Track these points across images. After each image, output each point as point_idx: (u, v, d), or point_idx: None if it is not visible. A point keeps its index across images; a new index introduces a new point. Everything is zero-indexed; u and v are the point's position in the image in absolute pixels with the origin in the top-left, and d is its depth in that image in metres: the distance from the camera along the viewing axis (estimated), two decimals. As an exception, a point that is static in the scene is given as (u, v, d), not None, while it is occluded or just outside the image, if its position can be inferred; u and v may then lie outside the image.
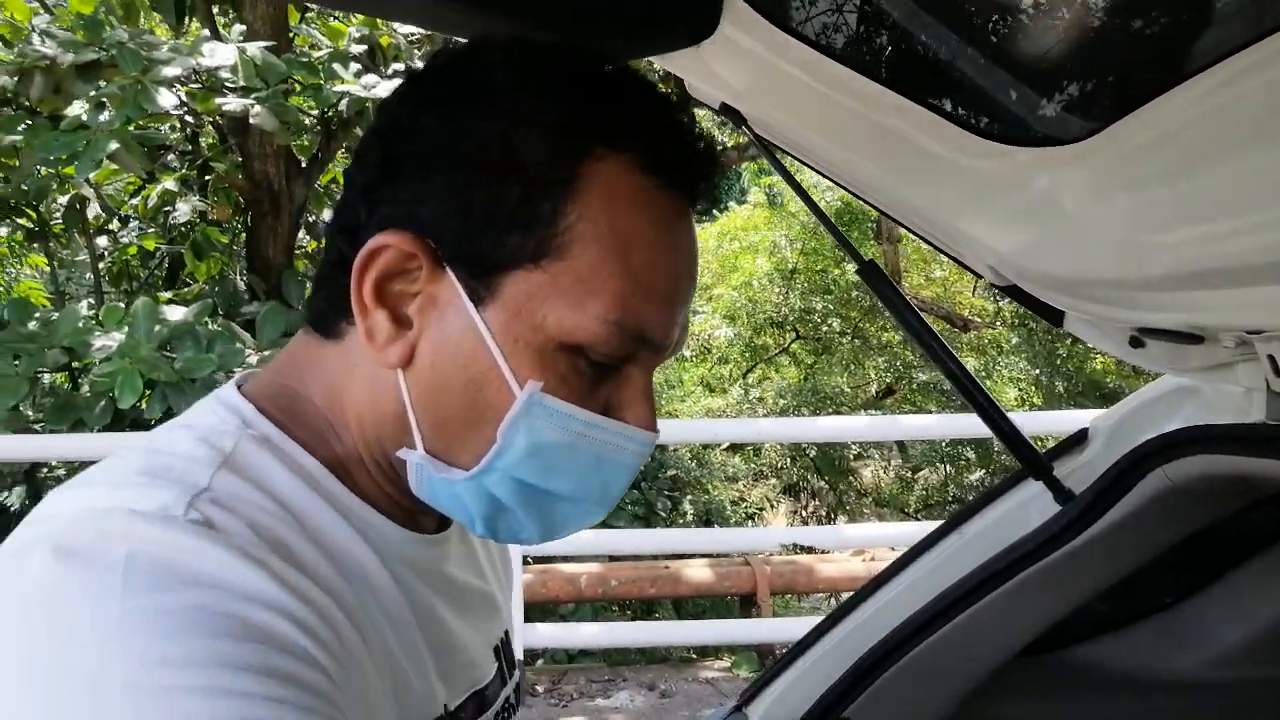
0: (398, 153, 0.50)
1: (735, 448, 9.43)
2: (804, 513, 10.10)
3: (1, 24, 4.40)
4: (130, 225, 6.14)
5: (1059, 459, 0.86)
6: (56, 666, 0.37)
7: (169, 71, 3.34)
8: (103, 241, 6.05)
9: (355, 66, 4.09)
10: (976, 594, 0.78)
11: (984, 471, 8.68)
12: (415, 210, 0.48)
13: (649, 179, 0.49)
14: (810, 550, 3.21)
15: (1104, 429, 0.84)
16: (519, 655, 2.93)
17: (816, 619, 3.60)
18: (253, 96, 3.77)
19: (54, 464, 4.15)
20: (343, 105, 3.95)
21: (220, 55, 3.45)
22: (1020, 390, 9.53)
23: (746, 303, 10.74)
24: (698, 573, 3.20)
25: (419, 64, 3.38)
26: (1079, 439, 0.86)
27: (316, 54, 4.12)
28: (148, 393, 3.87)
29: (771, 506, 9.65)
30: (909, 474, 8.91)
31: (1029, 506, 0.82)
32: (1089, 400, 8.74)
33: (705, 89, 0.84)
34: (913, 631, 0.81)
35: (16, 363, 3.81)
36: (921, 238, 0.87)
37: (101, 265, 6.96)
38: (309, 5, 4.96)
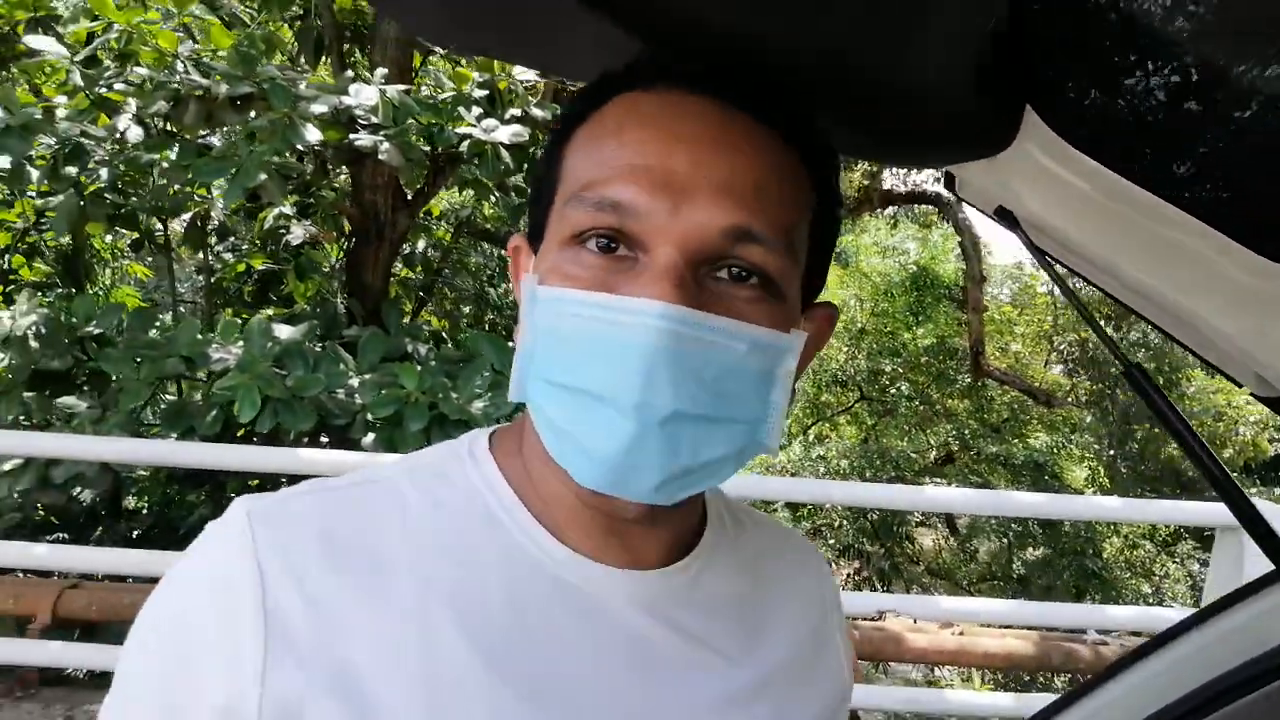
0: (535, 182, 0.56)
1: (793, 505, 9.37)
2: (856, 577, 9.93)
3: (149, 51, 4.71)
4: (226, 242, 6.44)
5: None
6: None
7: (316, 108, 3.54)
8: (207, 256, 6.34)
9: (476, 110, 4.28)
10: (1231, 695, 0.80)
11: (1049, 549, 8.46)
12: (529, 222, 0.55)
13: (646, 93, 0.49)
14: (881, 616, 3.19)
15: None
16: None
17: (906, 689, 3.52)
18: (381, 133, 3.97)
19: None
20: (463, 146, 4.12)
21: (365, 95, 3.64)
22: (1090, 470, 9.32)
23: (814, 360, 10.75)
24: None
25: (535, 110, 3.59)
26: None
27: (441, 95, 4.32)
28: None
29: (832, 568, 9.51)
30: (969, 545, 8.73)
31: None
32: (1166, 486, 8.50)
33: (981, 191, 0.90)
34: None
35: (139, 368, 4.01)
36: (1178, 342, 0.91)
37: (198, 280, 7.29)
38: (432, 49, 5.21)
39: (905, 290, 10.13)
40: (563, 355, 0.47)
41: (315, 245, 5.57)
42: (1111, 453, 9.02)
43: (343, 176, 5.57)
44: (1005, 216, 0.89)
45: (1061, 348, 9.23)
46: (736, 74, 0.49)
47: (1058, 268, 0.99)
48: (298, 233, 5.10)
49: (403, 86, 3.93)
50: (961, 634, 3.25)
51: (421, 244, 6.69)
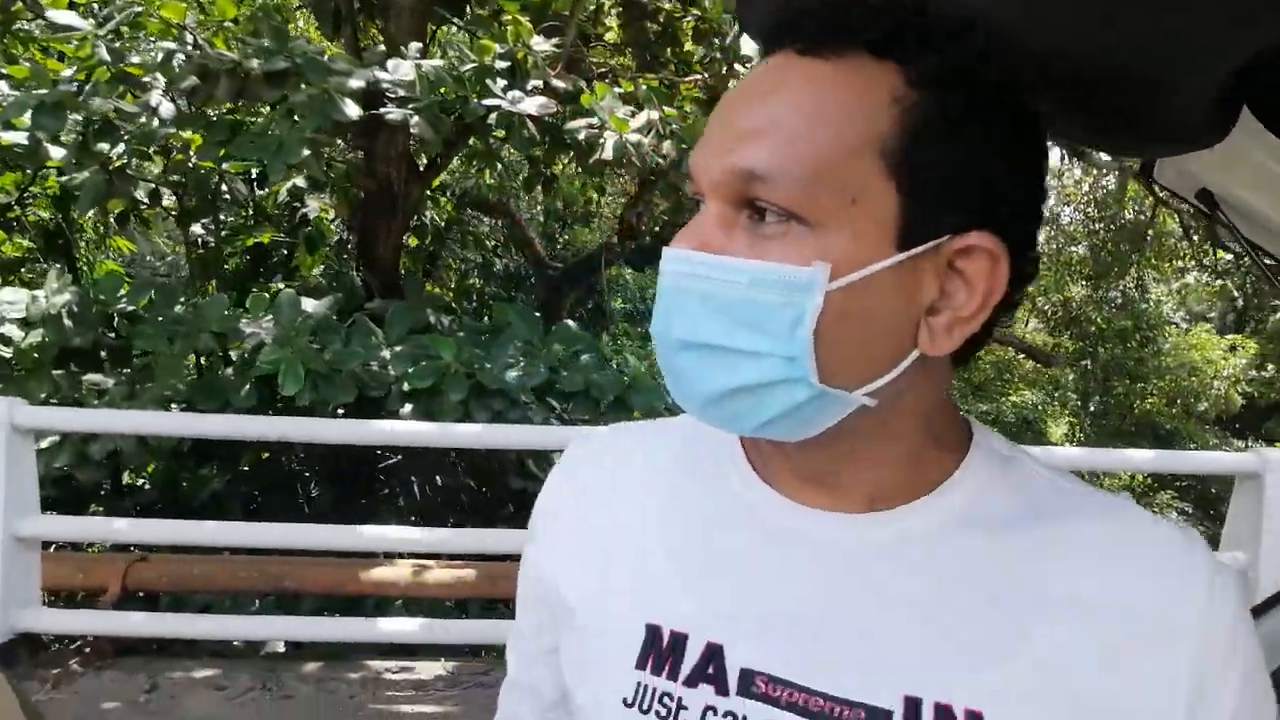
0: None
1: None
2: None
3: (155, 23, 4.64)
4: (210, 218, 6.33)
5: None
6: None
7: (353, 83, 3.54)
8: (197, 230, 6.28)
9: (501, 82, 4.29)
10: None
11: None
12: None
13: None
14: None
15: None
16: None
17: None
18: (410, 106, 3.98)
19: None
20: (491, 118, 4.14)
21: (402, 70, 3.65)
22: (1070, 425, 9.64)
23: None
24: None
25: (555, 81, 3.75)
26: None
27: (464, 67, 4.32)
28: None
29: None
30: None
31: None
32: (1144, 439, 8.85)
33: (1182, 176, 1.02)
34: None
35: (173, 344, 4.02)
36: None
37: (177, 255, 7.19)
38: (447, 18, 5.18)
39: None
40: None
41: (319, 218, 5.56)
42: (1091, 408, 9.33)
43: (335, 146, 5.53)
44: (1205, 199, 1.01)
45: (1045, 309, 9.49)
46: (808, 20, 0.50)
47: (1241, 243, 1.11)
48: (313, 205, 5.09)
49: (438, 61, 3.93)
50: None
51: (427, 216, 6.70)
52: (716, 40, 6.73)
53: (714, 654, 0.53)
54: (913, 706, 0.50)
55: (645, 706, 0.54)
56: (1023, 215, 0.51)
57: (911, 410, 0.53)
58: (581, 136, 4.20)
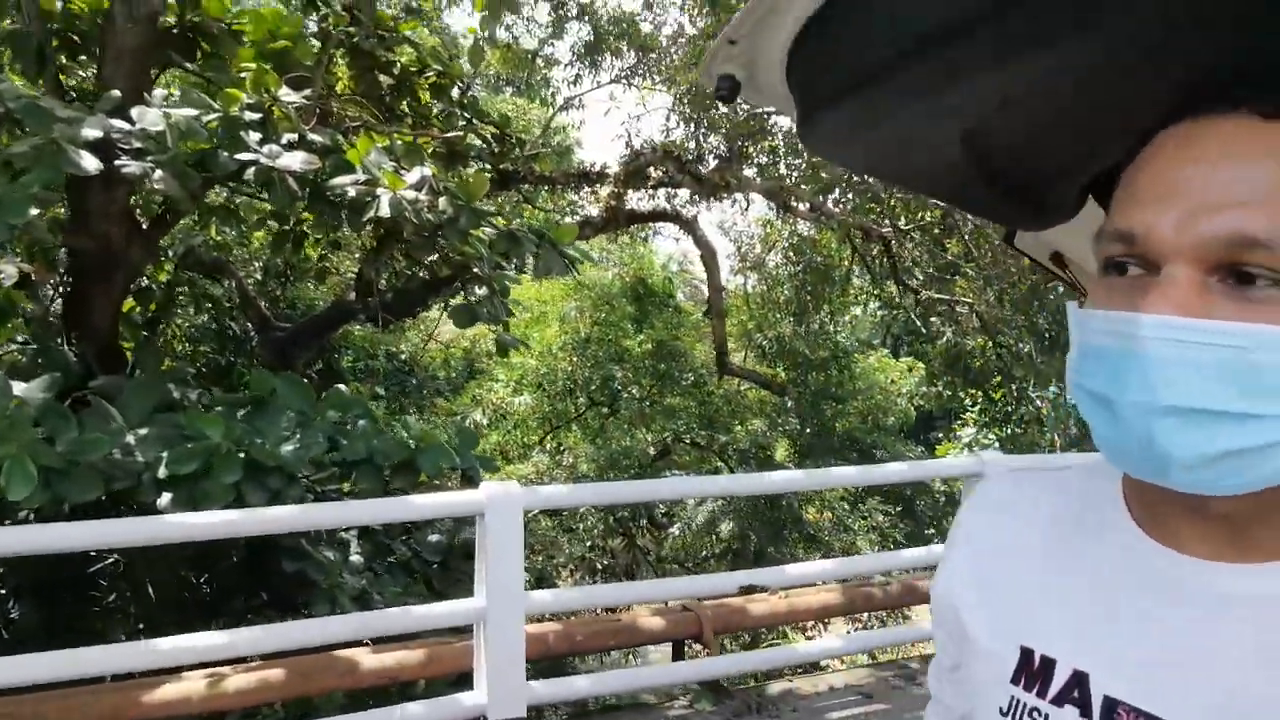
0: None
1: (548, 511, 9.65)
2: (604, 572, 10.48)
3: None
4: None
5: None
6: None
7: (89, 133, 3.12)
8: None
9: (256, 135, 4.01)
10: None
11: (763, 521, 9.66)
12: None
13: (1179, 125, 0.54)
14: (749, 591, 3.64)
15: None
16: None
17: (764, 653, 4.04)
18: (150, 159, 3.57)
19: None
20: (249, 173, 3.85)
21: (149, 119, 3.28)
22: (789, 446, 10.75)
23: (546, 371, 11.05)
24: (649, 622, 3.50)
25: (311, 135, 3.71)
26: None
27: (208, 118, 3.97)
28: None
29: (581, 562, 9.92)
30: (709, 529, 9.65)
31: None
32: (850, 452, 10.14)
33: (1037, 243, 1.29)
34: None
35: None
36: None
37: None
38: (177, 62, 4.72)
39: (624, 300, 10.89)
40: (1082, 364, 0.56)
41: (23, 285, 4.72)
42: (807, 430, 10.44)
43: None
44: (1058, 261, 1.30)
45: (761, 344, 10.54)
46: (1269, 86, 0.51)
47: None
48: (8, 270, 4.30)
49: (191, 110, 3.57)
50: (786, 596, 3.80)
51: (144, 280, 5.95)
52: (456, 94, 6.76)
53: (1079, 680, 0.60)
54: None
55: (1017, 717, 0.63)
56: None
57: None
58: (351, 193, 4.03)
